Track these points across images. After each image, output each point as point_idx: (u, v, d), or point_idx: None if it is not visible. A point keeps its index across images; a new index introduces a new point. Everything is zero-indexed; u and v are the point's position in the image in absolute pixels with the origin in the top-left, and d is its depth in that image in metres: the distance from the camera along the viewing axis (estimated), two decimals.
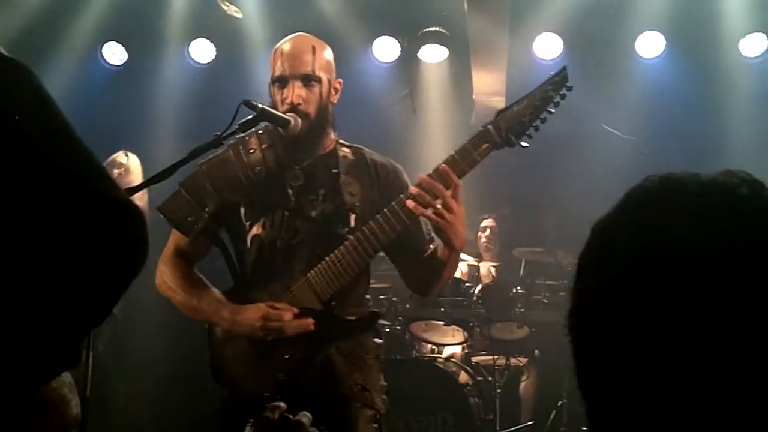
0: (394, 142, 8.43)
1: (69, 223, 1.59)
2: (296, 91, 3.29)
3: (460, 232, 3.16)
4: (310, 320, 3.20)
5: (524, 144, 3.11)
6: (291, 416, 1.73)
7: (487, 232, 8.40)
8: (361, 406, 3.31)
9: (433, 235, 3.46)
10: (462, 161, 3.11)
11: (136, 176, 6.89)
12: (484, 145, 3.10)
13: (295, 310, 3.21)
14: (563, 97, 3.06)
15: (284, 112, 3.27)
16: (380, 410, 3.35)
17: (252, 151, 3.41)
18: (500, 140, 3.09)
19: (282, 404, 1.73)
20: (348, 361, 3.36)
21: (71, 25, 8.28)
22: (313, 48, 3.37)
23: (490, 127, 3.10)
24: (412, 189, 3.15)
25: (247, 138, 3.42)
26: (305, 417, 1.74)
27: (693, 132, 8.32)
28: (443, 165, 3.13)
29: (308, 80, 3.32)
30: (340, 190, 3.37)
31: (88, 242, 1.60)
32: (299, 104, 3.29)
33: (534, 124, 3.08)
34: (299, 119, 3.27)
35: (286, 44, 3.41)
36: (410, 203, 3.11)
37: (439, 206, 3.08)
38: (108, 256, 1.63)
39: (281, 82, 3.33)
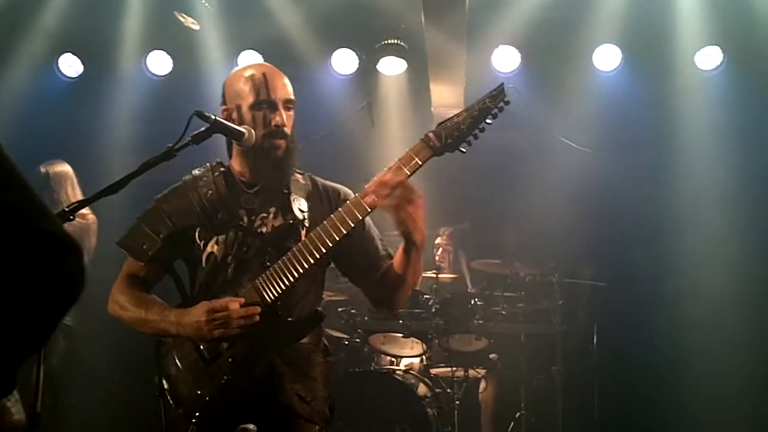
0: (353, 154, 8.45)
1: (7, 257, 1.59)
2: (285, 114, 3.47)
3: (420, 226, 3.29)
4: (256, 308, 3.23)
5: (463, 150, 3.27)
6: None
7: (440, 251, 8.45)
8: (304, 423, 3.37)
9: (390, 251, 3.61)
10: (405, 166, 3.22)
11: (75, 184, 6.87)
12: (425, 151, 3.23)
13: (241, 300, 3.26)
14: (501, 109, 3.25)
15: (267, 134, 3.43)
16: (318, 423, 3.42)
17: (205, 179, 3.56)
18: (440, 145, 3.23)
19: (251, 426, 1.72)
20: (293, 373, 3.41)
21: (27, 37, 8.22)
22: (284, 75, 3.57)
23: (430, 134, 3.24)
24: (368, 186, 3.26)
25: (200, 170, 3.61)
26: None
27: (648, 144, 8.39)
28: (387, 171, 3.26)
29: (289, 105, 3.52)
30: (290, 207, 3.50)
31: (28, 276, 1.61)
32: (285, 127, 3.46)
33: (473, 133, 3.25)
34: (252, 131, 3.40)
35: (259, 71, 3.54)
36: (370, 198, 3.22)
37: (397, 197, 3.20)
38: (46, 289, 1.65)
39: (269, 105, 3.46)
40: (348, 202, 3.30)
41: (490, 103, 3.23)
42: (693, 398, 7.56)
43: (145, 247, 3.49)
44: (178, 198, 3.54)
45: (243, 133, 3.35)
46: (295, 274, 3.26)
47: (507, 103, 3.24)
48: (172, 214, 3.50)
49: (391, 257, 3.60)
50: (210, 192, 3.49)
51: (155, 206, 3.56)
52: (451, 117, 3.27)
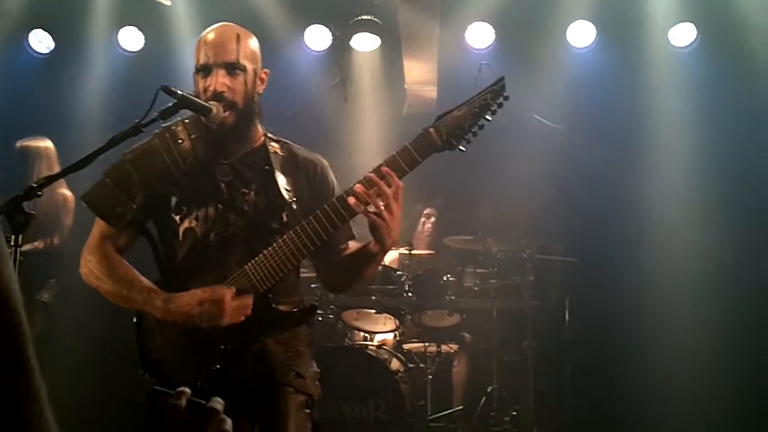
0: (327, 131, 8.42)
1: None
2: (220, 79, 3.26)
3: (394, 232, 3.19)
4: (250, 301, 3.19)
5: (462, 148, 3.20)
6: (203, 402, 1.65)
7: (430, 222, 8.49)
8: (293, 392, 3.32)
9: (354, 232, 3.51)
10: (403, 162, 3.15)
11: (54, 160, 6.75)
12: (425, 148, 3.16)
13: (233, 290, 3.19)
14: (500, 105, 3.18)
15: (207, 101, 3.23)
16: (313, 395, 3.39)
17: (180, 141, 3.33)
18: (441, 143, 3.17)
19: (187, 390, 1.66)
20: (284, 350, 3.37)
21: None
22: (238, 36, 3.34)
23: (431, 130, 3.18)
24: (356, 187, 3.16)
25: (173, 127, 3.37)
26: (218, 404, 1.65)
27: (621, 121, 8.40)
28: (385, 167, 3.16)
29: (232, 68, 3.30)
30: (275, 186, 3.36)
31: None
32: (223, 92, 3.26)
33: (473, 130, 3.18)
34: (221, 107, 3.23)
35: (210, 33, 3.36)
36: (352, 200, 3.14)
37: (381, 205, 3.12)
38: None
39: (204, 70, 3.30)
40: (341, 196, 3.20)
41: (491, 99, 3.17)
42: (663, 374, 7.63)
43: (118, 210, 3.29)
44: (150, 159, 3.32)
45: (210, 109, 3.18)
46: (289, 266, 3.22)
47: (506, 98, 3.18)
48: (147, 177, 3.30)
49: (354, 237, 3.53)
50: (189, 159, 3.31)
51: (124, 165, 3.32)
52: (451, 111, 3.20)
